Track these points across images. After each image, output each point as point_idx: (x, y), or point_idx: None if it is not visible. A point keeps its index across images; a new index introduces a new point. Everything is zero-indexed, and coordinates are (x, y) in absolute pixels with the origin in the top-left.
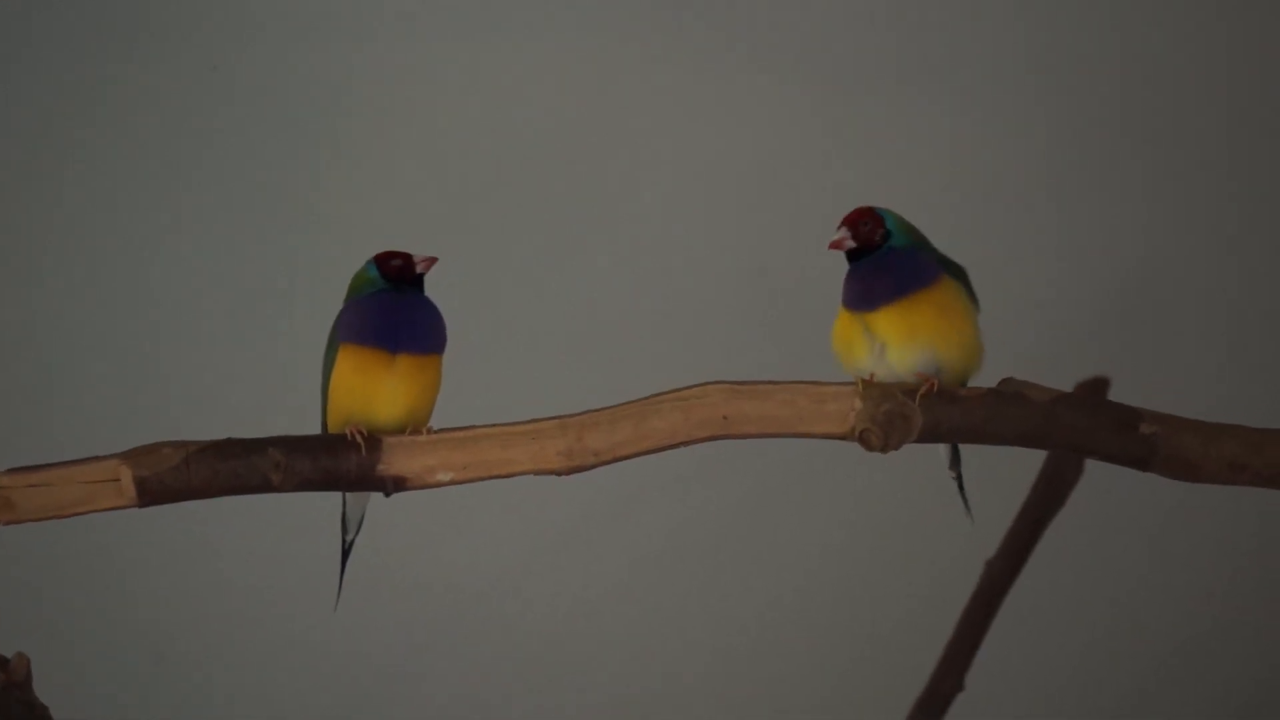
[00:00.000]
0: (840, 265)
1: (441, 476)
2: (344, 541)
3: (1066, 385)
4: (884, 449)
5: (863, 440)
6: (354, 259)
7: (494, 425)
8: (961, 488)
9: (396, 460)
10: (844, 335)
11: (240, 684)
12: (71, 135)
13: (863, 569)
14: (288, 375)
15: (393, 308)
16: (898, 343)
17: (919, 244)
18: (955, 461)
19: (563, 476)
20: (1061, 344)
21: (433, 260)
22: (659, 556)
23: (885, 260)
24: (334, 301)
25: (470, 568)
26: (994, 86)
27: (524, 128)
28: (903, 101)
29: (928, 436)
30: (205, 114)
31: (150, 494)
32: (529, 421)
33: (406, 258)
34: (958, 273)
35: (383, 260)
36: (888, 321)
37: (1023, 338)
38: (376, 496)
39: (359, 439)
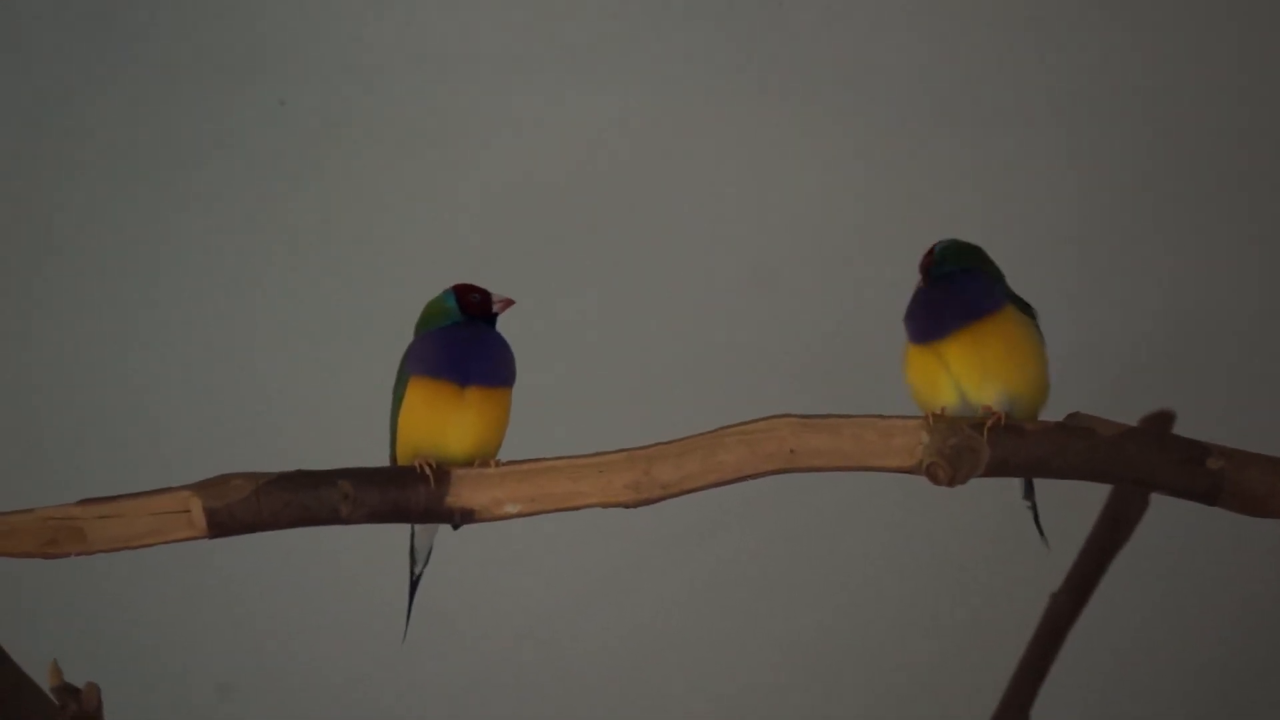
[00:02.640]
0: (897, 302)
1: (509, 509)
2: (412, 573)
3: (1132, 420)
4: (951, 483)
5: (930, 474)
6: (420, 293)
7: (562, 458)
8: (1037, 517)
9: (465, 492)
10: (921, 371)
11: (303, 716)
12: (142, 171)
13: (928, 602)
14: (357, 408)
15: (463, 341)
16: (973, 378)
17: (979, 265)
18: (1029, 491)
19: (630, 509)
20: (1128, 378)
21: (509, 302)
22: (716, 588)
23: (945, 287)
24: (402, 335)
25: (534, 601)
26: (1050, 116)
27: (580, 161)
28: (957, 133)
29: (995, 470)
30: (275, 149)
31: (220, 525)
32: (597, 454)
33: (485, 294)
34: (1024, 307)
35: (462, 293)
36: (959, 352)
37: (1090, 372)
38: (444, 529)
39: (428, 471)
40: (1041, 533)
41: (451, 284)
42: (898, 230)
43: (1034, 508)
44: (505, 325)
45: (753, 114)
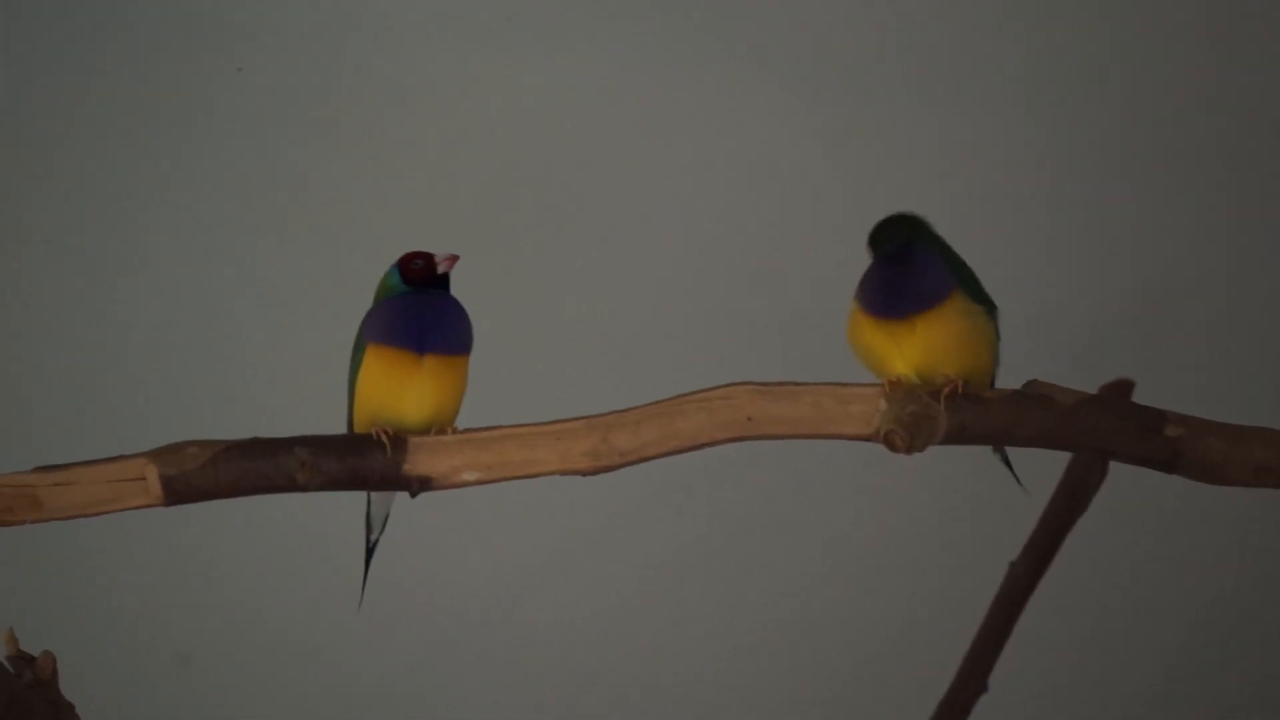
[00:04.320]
0: (852, 268)
1: (467, 476)
2: (368, 541)
3: (1091, 388)
4: (909, 450)
5: (888, 442)
6: (380, 259)
7: (520, 425)
8: (1009, 463)
9: (422, 460)
10: (868, 342)
11: (263, 684)
12: (93, 134)
13: (886, 571)
14: (314, 376)
15: (419, 308)
16: (921, 359)
17: (920, 242)
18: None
19: (587, 476)
20: (1086, 346)
21: (454, 259)
22: (678, 558)
23: (902, 266)
24: (360, 302)
25: (491, 569)
26: (1018, 89)
27: (549, 130)
28: (924, 106)
29: (953, 438)
30: (230, 115)
31: (176, 493)
32: (555, 422)
33: (428, 259)
34: (967, 279)
35: (405, 264)
36: (909, 335)
37: (1047, 340)
38: (403, 497)
39: (385, 439)
40: (1017, 478)
41: (408, 249)
42: (862, 202)
43: (1006, 458)
44: (464, 293)
45: (721, 87)
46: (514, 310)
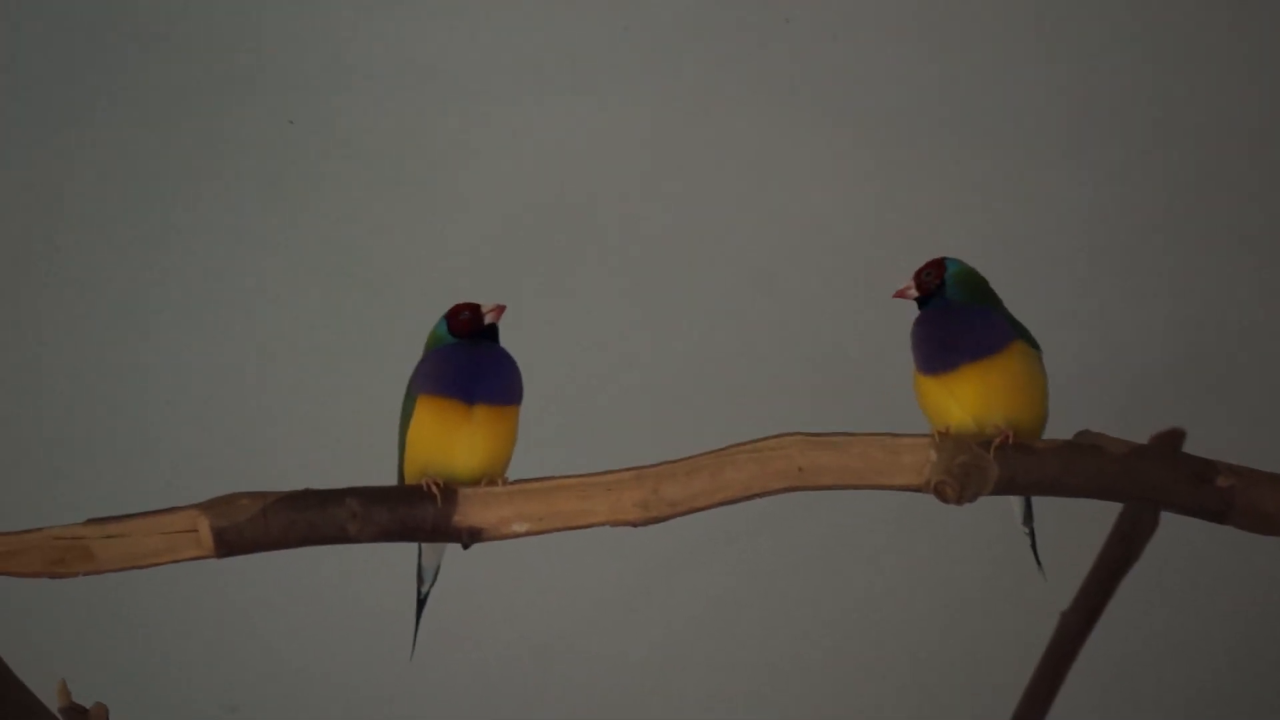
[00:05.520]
0: (906, 315)
1: (517, 527)
2: (419, 593)
3: (1142, 438)
4: (959, 501)
5: (938, 492)
6: (432, 310)
7: (571, 476)
8: (1034, 544)
9: (473, 511)
10: (932, 401)
11: None
12: (150, 182)
13: (938, 620)
14: (365, 427)
15: (468, 359)
16: (979, 410)
17: (985, 299)
18: (1028, 518)
19: (638, 528)
20: (1137, 397)
21: (501, 309)
22: (728, 608)
23: (955, 319)
24: (412, 353)
25: (542, 619)
26: (1062, 136)
27: (597, 177)
28: (972, 152)
29: (1003, 488)
30: (284, 167)
31: (228, 544)
32: (605, 473)
33: (474, 310)
34: (1024, 334)
35: (452, 317)
36: (966, 386)
37: (1098, 390)
38: (452, 548)
39: (435, 490)
40: (1038, 561)
41: (457, 302)
42: (907, 244)
43: (1032, 534)
44: (512, 343)
45: (761, 126)
46: (562, 359)
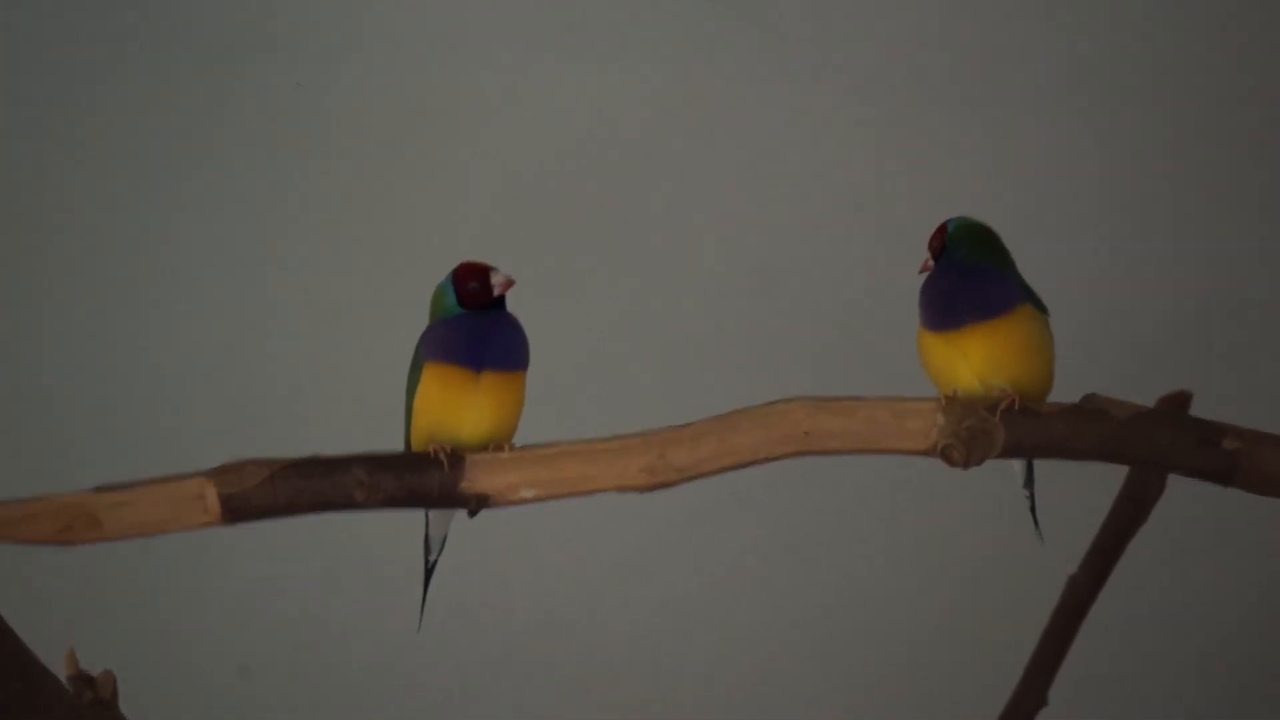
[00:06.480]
0: (913, 284)
1: (524, 493)
2: (426, 561)
3: (1148, 401)
4: (966, 465)
5: (945, 456)
6: (436, 275)
7: (577, 442)
8: (1034, 508)
9: (480, 477)
10: (937, 356)
11: (323, 701)
12: (152, 151)
13: (946, 583)
14: (372, 394)
15: (476, 326)
16: (986, 370)
17: (993, 254)
18: (1029, 481)
19: (644, 493)
20: (1143, 359)
21: (510, 281)
22: (736, 573)
23: (963, 277)
24: (417, 319)
25: (550, 586)
26: (1075, 96)
27: (600, 143)
28: (980, 113)
29: (1010, 452)
30: (288, 131)
31: (235, 512)
32: (612, 438)
33: (483, 281)
34: (1031, 296)
35: (460, 285)
36: (974, 345)
37: (1104, 353)
38: (459, 518)
39: (442, 456)
40: (1037, 524)
41: (464, 262)
42: (914, 211)
43: (1031, 498)
44: (518, 309)
45: (765, 95)
46: (568, 325)
